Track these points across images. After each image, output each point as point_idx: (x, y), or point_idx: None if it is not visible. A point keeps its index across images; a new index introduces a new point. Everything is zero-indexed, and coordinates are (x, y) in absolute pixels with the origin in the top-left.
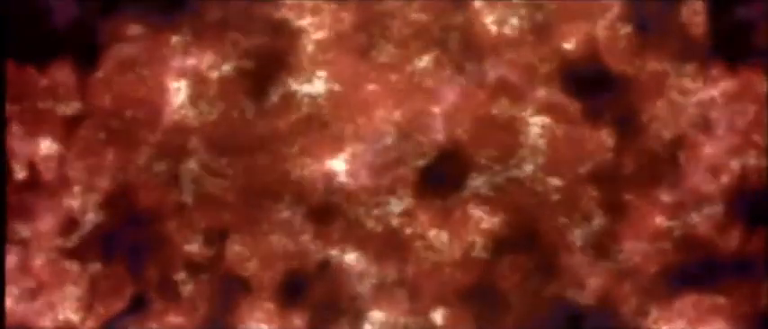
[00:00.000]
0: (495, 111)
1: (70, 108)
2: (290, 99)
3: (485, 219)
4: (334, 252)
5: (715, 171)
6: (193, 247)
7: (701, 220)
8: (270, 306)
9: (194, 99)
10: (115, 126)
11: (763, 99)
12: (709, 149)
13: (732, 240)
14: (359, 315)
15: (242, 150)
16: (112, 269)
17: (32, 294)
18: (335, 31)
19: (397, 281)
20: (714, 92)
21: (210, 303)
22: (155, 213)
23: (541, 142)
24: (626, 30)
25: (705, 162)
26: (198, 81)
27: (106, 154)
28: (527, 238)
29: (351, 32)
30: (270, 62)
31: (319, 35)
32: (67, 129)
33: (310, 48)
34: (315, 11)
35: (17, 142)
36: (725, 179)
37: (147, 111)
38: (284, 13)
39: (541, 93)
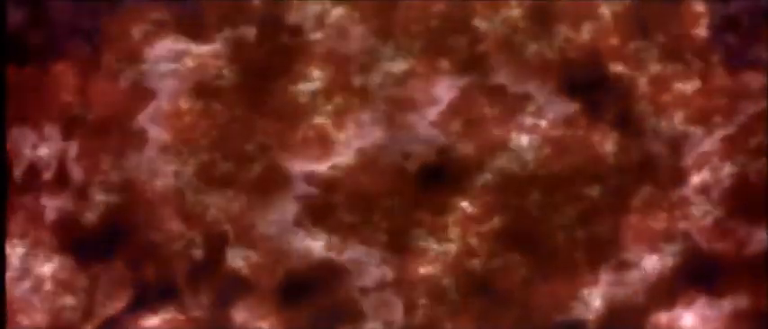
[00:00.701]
0: (494, 110)
1: (70, 108)
2: (289, 97)
3: (484, 219)
4: (333, 252)
5: (715, 171)
6: (194, 247)
7: (701, 221)
8: (270, 305)
9: (194, 99)
10: (115, 126)
11: (763, 99)
12: (709, 149)
13: (732, 240)
14: (359, 315)
15: (241, 149)
16: (112, 269)
17: (32, 294)
18: (335, 28)
19: (397, 281)
20: (714, 92)
21: (211, 303)
22: (155, 213)
23: (543, 141)
24: (627, 30)
25: (705, 162)
26: (197, 80)
27: (106, 154)
28: (527, 238)
29: (349, 30)
30: (270, 61)
31: (318, 34)
32: (67, 129)
33: (309, 46)
34: (314, 9)
35: (17, 142)
36: (725, 179)
37: (147, 111)
38: (284, 12)
39: (542, 92)
